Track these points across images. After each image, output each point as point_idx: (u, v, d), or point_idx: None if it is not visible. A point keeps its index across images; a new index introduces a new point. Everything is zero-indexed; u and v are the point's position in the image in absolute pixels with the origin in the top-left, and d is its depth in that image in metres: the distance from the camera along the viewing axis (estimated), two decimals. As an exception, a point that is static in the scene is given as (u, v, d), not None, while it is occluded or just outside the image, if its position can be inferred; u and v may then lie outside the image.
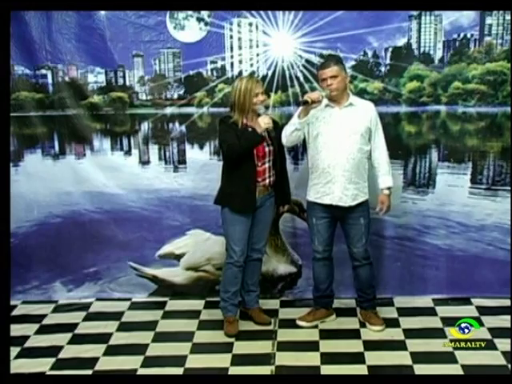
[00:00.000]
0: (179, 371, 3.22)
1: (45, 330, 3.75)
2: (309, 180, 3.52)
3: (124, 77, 4.16)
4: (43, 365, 3.31)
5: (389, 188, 3.46)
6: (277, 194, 3.58)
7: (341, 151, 3.34)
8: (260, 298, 3.80)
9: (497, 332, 3.51)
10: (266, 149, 3.43)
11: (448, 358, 3.26)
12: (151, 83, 4.18)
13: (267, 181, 3.47)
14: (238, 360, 3.30)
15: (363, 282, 3.61)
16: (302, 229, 3.96)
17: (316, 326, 3.65)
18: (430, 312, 3.83)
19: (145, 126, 4.27)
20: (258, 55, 4.00)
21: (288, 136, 3.36)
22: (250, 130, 3.35)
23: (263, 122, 3.28)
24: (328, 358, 3.28)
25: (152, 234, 4.20)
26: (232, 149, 3.31)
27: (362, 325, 3.65)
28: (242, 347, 3.44)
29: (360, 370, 3.16)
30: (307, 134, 3.42)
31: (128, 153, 4.27)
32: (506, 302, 3.83)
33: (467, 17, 3.85)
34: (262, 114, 3.36)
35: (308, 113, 3.28)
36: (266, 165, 3.45)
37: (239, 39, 3.98)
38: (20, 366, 3.30)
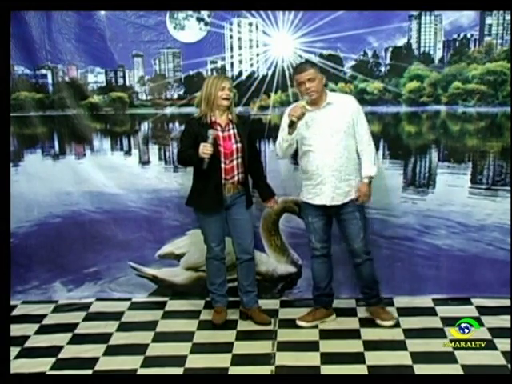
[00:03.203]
0: (179, 371, 3.22)
1: (45, 330, 3.76)
2: (302, 181, 3.55)
3: (124, 77, 4.16)
4: (43, 365, 3.31)
5: (370, 177, 3.45)
6: (258, 192, 3.66)
7: (327, 152, 3.36)
8: (260, 298, 3.81)
9: (497, 332, 3.51)
10: (234, 146, 3.47)
11: (448, 357, 3.25)
12: (151, 83, 4.17)
13: (236, 178, 3.51)
14: (238, 360, 3.30)
15: (367, 278, 3.61)
16: (302, 229, 3.95)
17: (316, 326, 3.65)
18: (430, 312, 3.83)
19: (145, 126, 4.26)
20: (258, 55, 3.99)
21: (284, 151, 3.43)
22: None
23: (202, 152, 3.32)
24: (328, 358, 3.28)
25: (152, 234, 4.20)
26: (177, 156, 3.59)
27: (362, 325, 3.65)
28: (242, 347, 3.44)
29: (360, 370, 3.16)
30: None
31: (128, 153, 4.26)
32: (506, 302, 3.83)
33: (467, 17, 3.85)
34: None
35: (296, 127, 3.31)
36: (234, 162, 3.48)
37: (239, 39, 3.98)
38: (20, 366, 3.31)
